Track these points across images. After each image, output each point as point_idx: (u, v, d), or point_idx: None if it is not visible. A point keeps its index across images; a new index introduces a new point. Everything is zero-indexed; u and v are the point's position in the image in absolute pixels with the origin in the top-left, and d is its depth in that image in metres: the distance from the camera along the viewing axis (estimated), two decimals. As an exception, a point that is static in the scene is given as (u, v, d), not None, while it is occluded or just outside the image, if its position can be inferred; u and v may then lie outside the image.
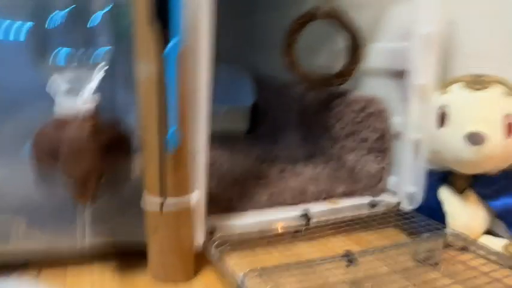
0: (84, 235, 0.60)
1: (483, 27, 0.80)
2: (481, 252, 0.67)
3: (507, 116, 0.68)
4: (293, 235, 0.72)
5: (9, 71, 0.54)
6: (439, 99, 0.73)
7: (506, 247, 0.68)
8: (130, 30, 0.52)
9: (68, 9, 0.50)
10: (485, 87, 0.69)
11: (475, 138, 0.66)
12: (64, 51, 0.51)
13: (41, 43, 0.50)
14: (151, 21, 0.48)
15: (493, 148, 0.67)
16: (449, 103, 0.71)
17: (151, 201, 0.55)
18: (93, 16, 0.52)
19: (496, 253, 0.66)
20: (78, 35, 0.51)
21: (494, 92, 0.69)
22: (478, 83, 0.70)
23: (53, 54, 0.50)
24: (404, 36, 0.80)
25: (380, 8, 0.89)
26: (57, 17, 0.50)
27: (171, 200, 0.54)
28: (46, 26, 0.50)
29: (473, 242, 0.69)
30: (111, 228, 0.62)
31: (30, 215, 0.58)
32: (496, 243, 0.70)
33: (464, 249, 0.69)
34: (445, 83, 0.74)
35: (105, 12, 0.53)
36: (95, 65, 0.53)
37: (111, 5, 0.53)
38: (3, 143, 0.55)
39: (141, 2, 0.49)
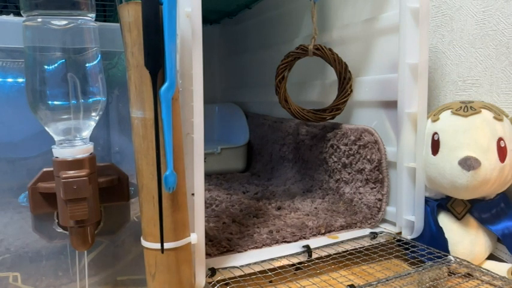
0: (84, 283, 0.59)
1: (469, 55, 0.82)
2: (486, 278, 0.66)
3: (499, 139, 0.68)
4: (295, 272, 0.71)
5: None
6: (431, 127, 0.74)
7: (511, 271, 0.68)
8: (122, 77, 0.53)
9: (59, 62, 0.51)
10: (475, 113, 0.70)
11: (469, 163, 0.67)
12: (58, 101, 0.52)
13: (35, 95, 0.51)
14: (144, 65, 0.49)
15: (488, 172, 0.67)
16: (441, 130, 0.72)
17: (148, 246, 0.55)
18: (86, 67, 0.53)
19: (501, 278, 0.65)
20: (72, 85, 0.52)
21: (484, 117, 0.70)
22: (467, 109, 0.71)
23: (48, 104, 0.51)
24: (393, 68, 0.82)
25: (368, 41, 0.91)
26: (50, 70, 0.51)
27: (169, 244, 0.54)
28: (39, 79, 0.51)
29: (477, 268, 0.68)
30: (110, 275, 0.61)
31: (26, 268, 0.57)
32: (500, 268, 0.69)
33: (468, 276, 0.68)
34: (435, 111, 0.75)
35: (96, 63, 0.54)
36: (90, 113, 0.54)
37: (100, 56, 0.54)
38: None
39: (133, 47, 0.50)
